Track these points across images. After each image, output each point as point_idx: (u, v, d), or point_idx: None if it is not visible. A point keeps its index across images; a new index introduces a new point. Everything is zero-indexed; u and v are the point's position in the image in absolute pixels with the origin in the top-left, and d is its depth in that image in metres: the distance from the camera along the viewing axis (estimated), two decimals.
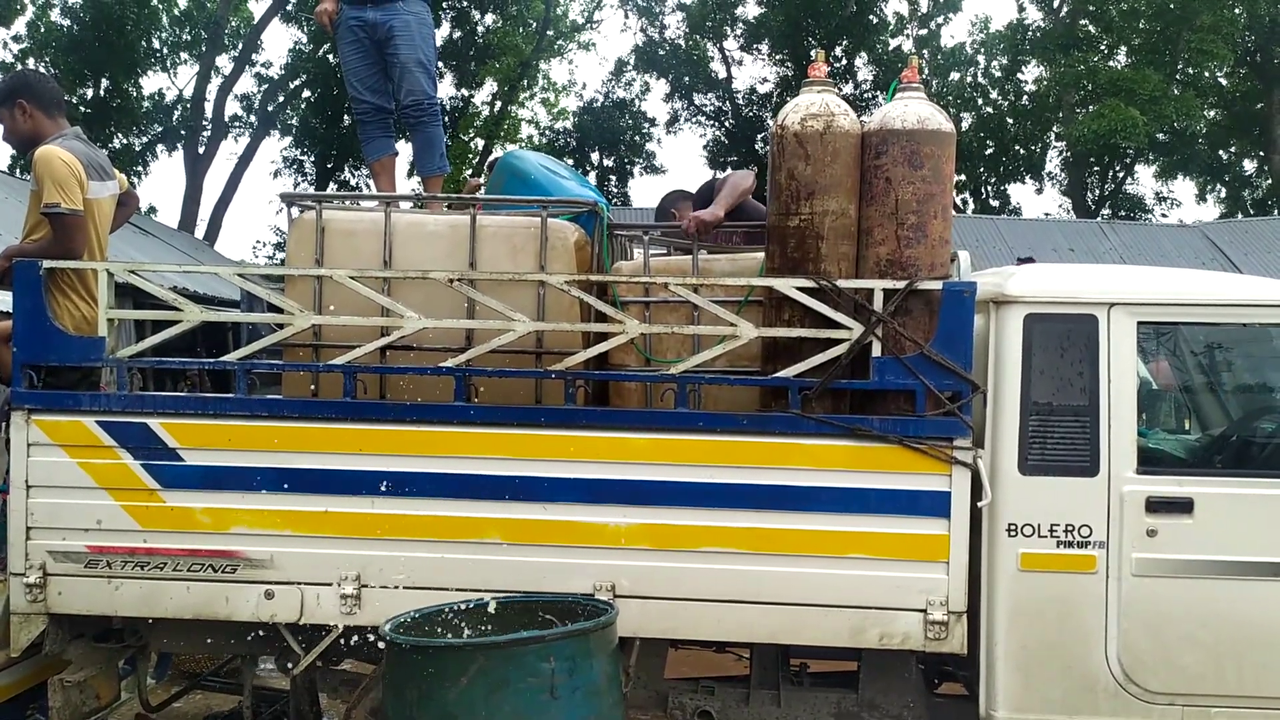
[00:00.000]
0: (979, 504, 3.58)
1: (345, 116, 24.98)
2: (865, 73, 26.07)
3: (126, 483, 3.81)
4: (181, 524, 3.81)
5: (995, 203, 28.29)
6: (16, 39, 26.26)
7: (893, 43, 26.35)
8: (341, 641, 3.89)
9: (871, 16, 25.28)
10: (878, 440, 3.61)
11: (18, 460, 3.80)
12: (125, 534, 3.80)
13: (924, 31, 26.82)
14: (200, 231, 24.93)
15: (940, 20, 27.21)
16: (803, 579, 3.65)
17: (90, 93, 25.34)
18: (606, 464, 3.72)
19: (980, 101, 27.37)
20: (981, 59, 27.71)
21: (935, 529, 3.59)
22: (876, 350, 3.63)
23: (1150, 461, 3.72)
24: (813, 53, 3.93)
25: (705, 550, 3.67)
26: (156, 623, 4.03)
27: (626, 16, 30.77)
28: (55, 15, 26.28)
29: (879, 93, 24.66)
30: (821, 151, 3.67)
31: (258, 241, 43.15)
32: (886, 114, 3.70)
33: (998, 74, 27.42)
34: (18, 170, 23.12)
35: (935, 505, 3.59)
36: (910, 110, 3.66)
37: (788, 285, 3.66)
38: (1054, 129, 26.39)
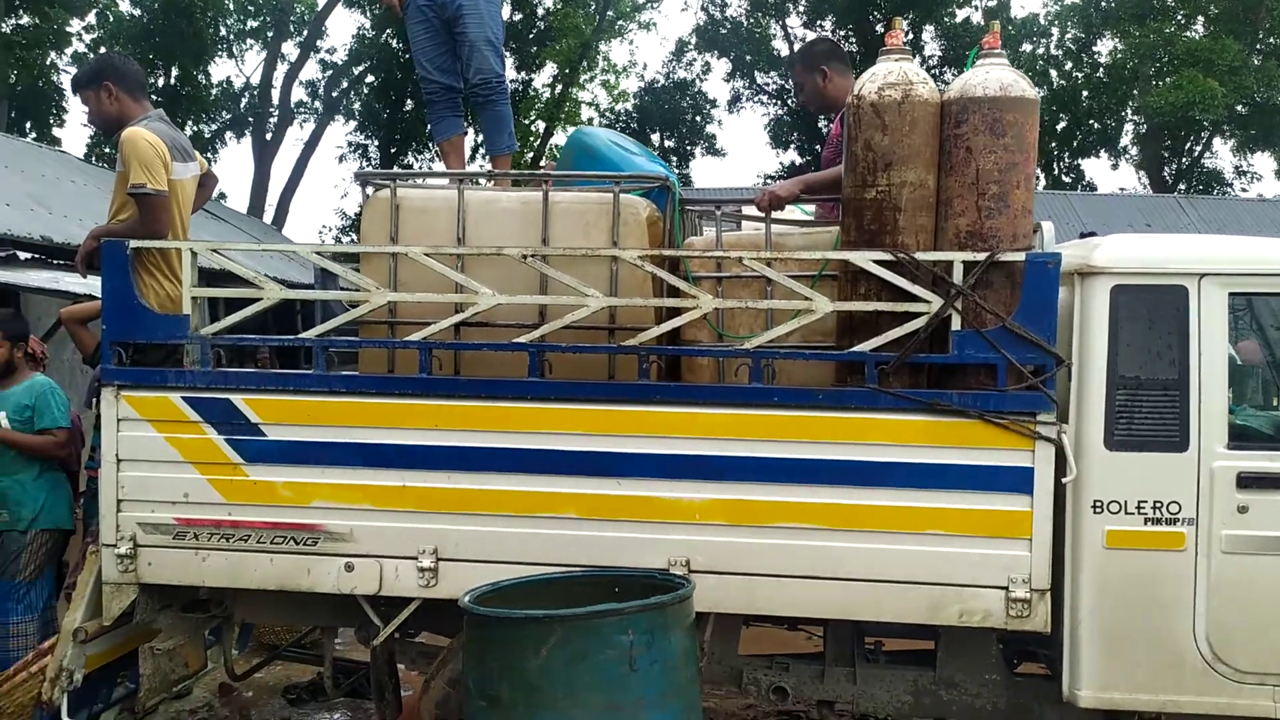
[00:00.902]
0: (1063, 480, 3.51)
1: (408, 101, 25.24)
2: (932, 47, 25.65)
3: (211, 457, 3.89)
4: (264, 498, 3.88)
5: (1068, 178, 27.69)
6: (88, 29, 26.87)
7: (960, 15, 25.88)
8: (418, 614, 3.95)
9: None
10: (957, 415, 3.56)
11: (108, 435, 3.90)
12: (211, 507, 3.89)
13: (993, 3, 26.26)
14: (268, 216, 25.37)
15: None
16: (880, 555, 3.61)
17: (160, 81, 25.84)
18: (680, 439, 3.71)
19: (1053, 74, 26.76)
20: (1055, 30, 27.09)
21: (1018, 505, 3.53)
22: (956, 324, 3.57)
23: (1241, 437, 3.62)
24: (890, 21, 3.86)
25: (781, 526, 3.65)
26: (241, 594, 4.12)
27: None
28: (125, 4, 26.83)
29: (947, 67, 24.25)
30: (899, 121, 3.61)
31: (323, 226, 43.75)
32: (967, 81, 3.63)
33: (1071, 45, 26.78)
34: (93, 158, 23.74)
35: (1018, 481, 3.53)
36: (992, 77, 3.58)
37: (864, 258, 3.61)
38: (1129, 102, 25.73)
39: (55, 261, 8.96)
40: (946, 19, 25.39)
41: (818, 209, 4.77)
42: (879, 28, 24.67)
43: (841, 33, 25.86)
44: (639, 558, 3.70)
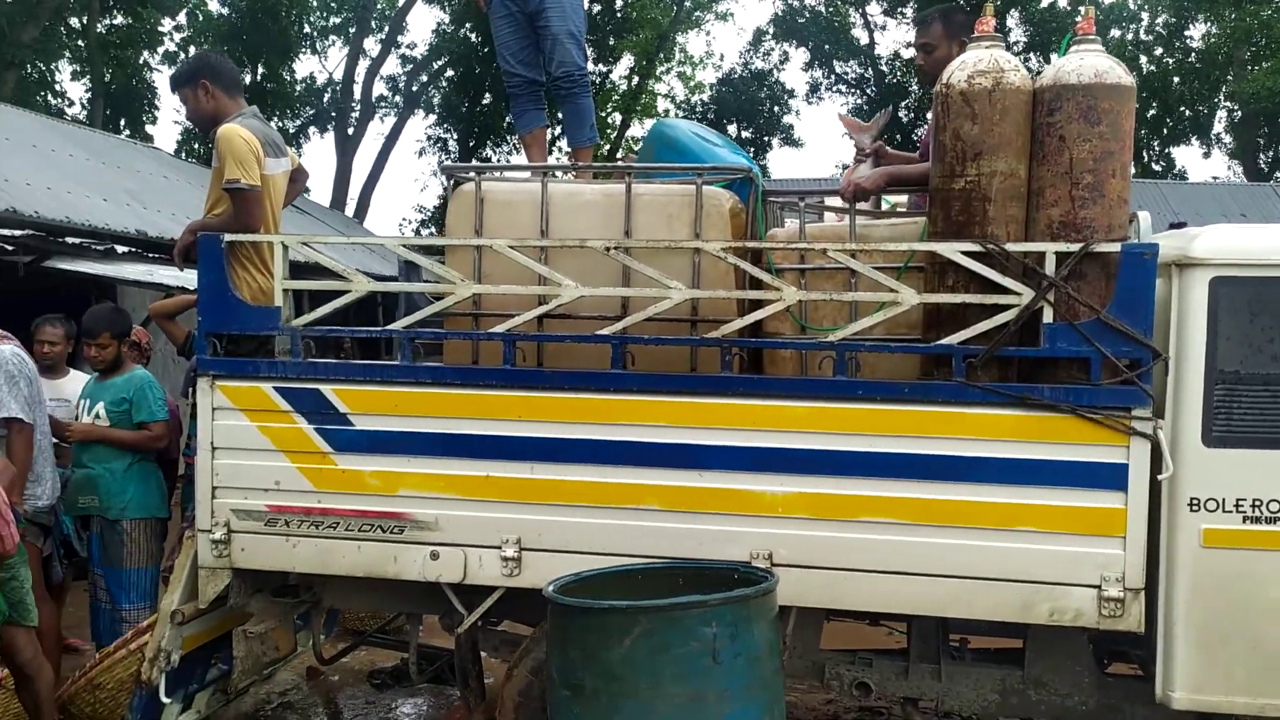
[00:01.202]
0: (1159, 477, 3.41)
1: (487, 94, 25.49)
2: (1018, 33, 25.10)
3: (301, 446, 3.97)
4: (352, 486, 3.95)
5: (1158, 166, 26.92)
6: (179, 28, 27.62)
7: (1045, 0, 25.28)
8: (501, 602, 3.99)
9: None
10: (1049, 410, 3.48)
11: (204, 424, 4.01)
12: (301, 494, 3.97)
13: None
14: (349, 209, 25.84)
15: None
16: (968, 551, 3.55)
17: (247, 78, 26.47)
18: (763, 432, 3.69)
19: (1143, 60, 26.03)
20: (1145, 15, 26.33)
21: (1111, 502, 3.44)
22: (1048, 316, 3.49)
23: None
24: (982, 7, 3.78)
25: (865, 520, 3.61)
26: (329, 580, 4.21)
27: None
28: (214, 4, 27.53)
29: (1032, 53, 23.72)
30: (989, 110, 3.54)
31: (403, 219, 44.41)
32: (1060, 68, 3.54)
33: (1161, 30, 26.01)
34: (183, 154, 24.40)
35: (1111, 477, 3.44)
36: (1087, 63, 3.49)
37: (953, 249, 3.55)
38: (1222, 88, 24.91)
39: (150, 255, 9.24)
40: (1032, 4, 24.83)
41: (912, 198, 4.70)
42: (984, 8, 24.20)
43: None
44: (721, 550, 3.69)
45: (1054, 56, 3.99)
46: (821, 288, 3.99)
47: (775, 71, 30.74)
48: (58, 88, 26.71)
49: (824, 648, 4.09)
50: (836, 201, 4.40)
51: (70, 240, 8.64)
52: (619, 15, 26.48)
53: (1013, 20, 25.22)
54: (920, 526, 3.58)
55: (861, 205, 4.19)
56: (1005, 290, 3.50)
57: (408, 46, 28.58)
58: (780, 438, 3.68)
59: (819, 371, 3.87)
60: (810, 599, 3.73)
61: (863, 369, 3.85)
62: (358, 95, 27.12)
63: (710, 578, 3.49)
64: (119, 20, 26.19)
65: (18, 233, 8.11)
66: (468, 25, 25.32)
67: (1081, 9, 3.91)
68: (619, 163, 5.44)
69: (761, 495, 3.68)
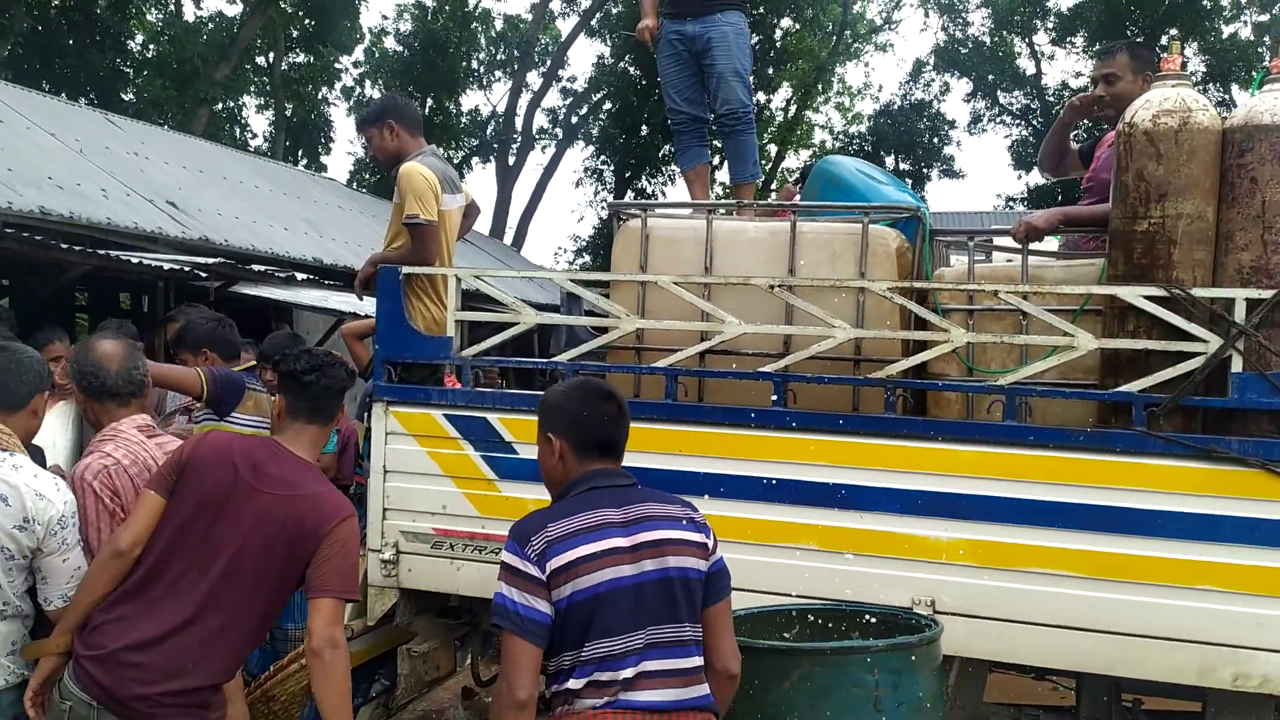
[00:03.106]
0: None
1: (644, 127, 25.90)
2: (1196, 63, 24.02)
3: (468, 472, 4.10)
4: (514, 513, 4.00)
5: None
6: (356, 64, 29.10)
7: (1227, 30, 24.12)
8: None
9: (1204, 1, 23.24)
10: (1236, 464, 3.30)
11: (377, 447, 4.19)
12: (466, 519, 4.09)
13: (1265, 17, 24.33)
14: (508, 238, 26.57)
15: None
16: (1144, 608, 3.39)
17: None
18: (928, 475, 3.62)
19: None
20: None
21: None
22: (1237, 365, 3.32)
23: None
24: (1168, 44, 3.65)
25: (1035, 571, 3.49)
26: (489, 603, 4.30)
27: (926, 15, 30.07)
28: (389, 42, 28.89)
29: (1212, 84, 22.64)
30: (1176, 150, 3.41)
31: (559, 248, 45.39)
32: (1252, 108, 3.39)
33: None
34: (354, 184, 25.59)
35: None
36: None
37: (1135, 294, 3.42)
38: None
39: (325, 281, 9.72)
40: (1212, 35, 23.72)
41: (1069, 239, 4.56)
42: (1168, 45, 23.34)
43: (1094, 49, 24.64)
44: (882, 594, 3.63)
45: (1235, 87, 3.82)
46: (990, 329, 3.90)
47: (935, 102, 30.27)
48: (244, 122, 28.49)
49: (988, 700, 3.97)
50: (1007, 240, 4.30)
51: (255, 267, 9.17)
52: (777, 46, 26.53)
53: (1191, 51, 24.14)
54: (1092, 580, 3.44)
55: (1034, 245, 4.09)
56: (1190, 337, 3.36)
57: (568, 80, 29.40)
58: (946, 482, 3.60)
59: (987, 415, 3.78)
60: (975, 649, 3.62)
61: (1033, 414, 3.73)
62: (519, 127, 27.96)
63: (871, 622, 3.43)
64: (301, 58, 27.77)
65: (210, 260, 8.67)
66: (627, 58, 25.83)
67: (1266, 39, 3.72)
68: (786, 202, 5.44)
69: (925, 540, 3.61)
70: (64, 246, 7.16)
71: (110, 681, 2.74)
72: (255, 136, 28.84)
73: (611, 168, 28.96)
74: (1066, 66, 29.16)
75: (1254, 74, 3.58)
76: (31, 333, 3.90)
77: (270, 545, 2.88)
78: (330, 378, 3.11)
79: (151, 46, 24.87)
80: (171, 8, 25.43)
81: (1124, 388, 3.45)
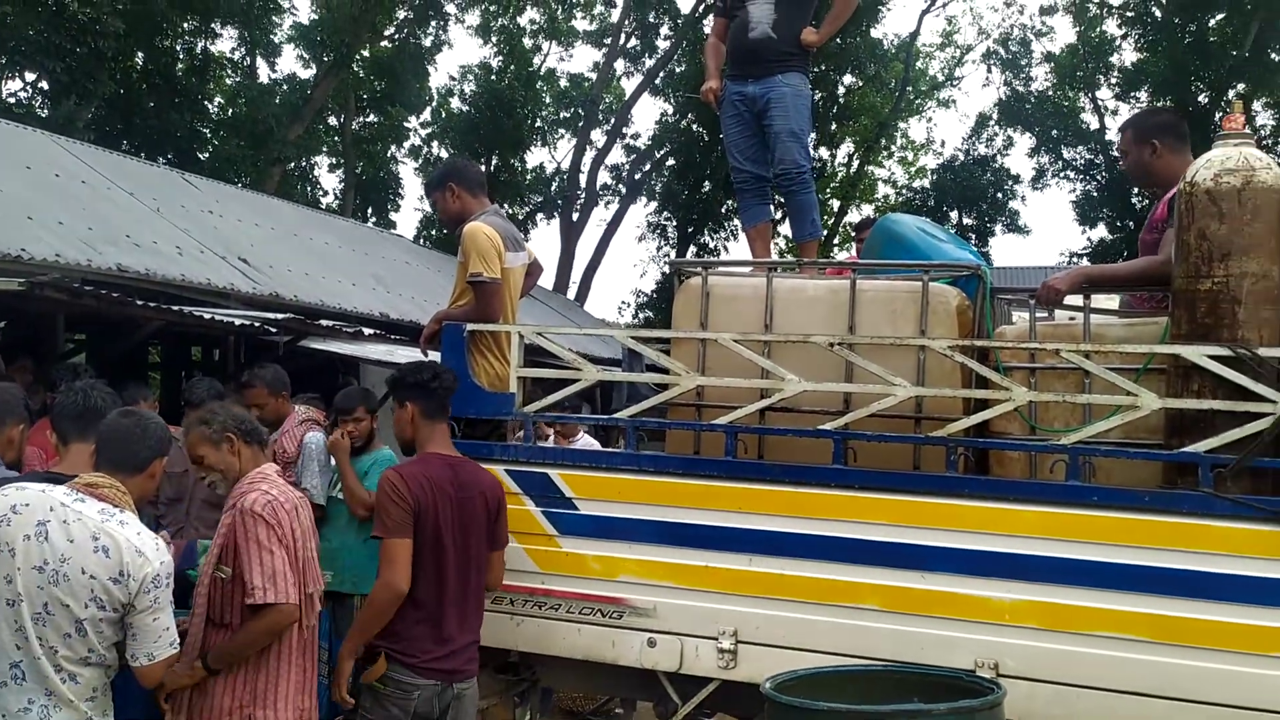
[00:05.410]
0: None
1: (706, 183, 26.10)
2: (1264, 117, 23.67)
3: (529, 527, 4.14)
4: (575, 569, 4.08)
5: None
6: (424, 125, 29.80)
7: None
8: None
9: (1272, 54, 22.94)
10: None
11: None
12: (527, 575, 4.13)
13: None
14: (571, 293, 26.82)
15: None
16: (1216, 675, 3.31)
17: (481, 168, 28.16)
18: (990, 535, 3.59)
19: None
20: None
21: None
22: None
23: None
24: (1228, 104, 3.65)
25: (1100, 635, 3.44)
26: (548, 659, 4.33)
27: (989, 71, 29.96)
28: (455, 103, 29.57)
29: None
30: (1239, 209, 3.39)
31: (622, 303, 45.70)
32: None
33: None
34: (421, 239, 26.09)
35: None
36: None
37: (1199, 353, 3.39)
38: None
39: (392, 336, 9.90)
40: (1277, 91, 23.39)
41: (1125, 298, 4.52)
42: (1201, 98, 23.08)
43: (1159, 104, 24.41)
44: (944, 656, 3.59)
45: None
46: (1052, 388, 3.87)
47: (999, 157, 30.13)
48: (315, 180, 29.28)
49: None
50: (1073, 299, 4.27)
51: (323, 322, 9.38)
52: (840, 103, 26.65)
53: (1258, 105, 23.81)
54: (1159, 645, 3.38)
55: (1099, 303, 4.07)
56: (1258, 397, 3.31)
57: (632, 136, 29.71)
58: (1009, 542, 3.57)
59: (1049, 475, 3.74)
60: (1038, 714, 3.55)
61: (1097, 474, 3.69)
62: (583, 183, 28.32)
63: (933, 684, 3.38)
64: (371, 118, 28.54)
65: (279, 316, 8.89)
66: (690, 115, 26.10)
67: None
68: (846, 261, 5.47)
69: (988, 601, 3.57)
70: (139, 303, 7.38)
71: (454, 665, 3.81)
72: (326, 194, 29.58)
73: (674, 223, 29.15)
74: None
75: None
76: (114, 388, 4.03)
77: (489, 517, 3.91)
78: (449, 381, 3.96)
79: (229, 108, 25.74)
80: (246, 70, 26.33)
81: (1190, 448, 3.40)
